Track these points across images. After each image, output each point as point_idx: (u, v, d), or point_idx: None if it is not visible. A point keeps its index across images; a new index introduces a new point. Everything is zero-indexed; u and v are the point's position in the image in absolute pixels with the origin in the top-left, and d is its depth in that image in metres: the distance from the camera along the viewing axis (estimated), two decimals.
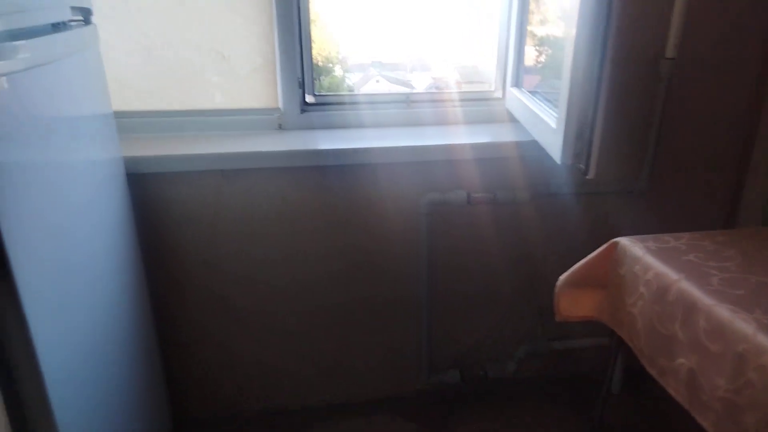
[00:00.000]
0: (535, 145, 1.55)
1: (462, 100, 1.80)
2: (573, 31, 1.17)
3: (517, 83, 1.70)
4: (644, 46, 1.56)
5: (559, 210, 1.70)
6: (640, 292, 1.00)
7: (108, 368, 1.19)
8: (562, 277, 1.16)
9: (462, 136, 1.64)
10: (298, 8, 1.61)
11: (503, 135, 1.66)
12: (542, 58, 1.68)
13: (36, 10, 1.03)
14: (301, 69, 1.67)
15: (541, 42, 1.66)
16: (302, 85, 1.69)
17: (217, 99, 1.65)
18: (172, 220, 1.53)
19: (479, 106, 1.80)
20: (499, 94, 1.82)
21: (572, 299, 1.15)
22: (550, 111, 1.39)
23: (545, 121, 1.34)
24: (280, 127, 1.69)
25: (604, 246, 1.11)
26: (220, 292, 1.64)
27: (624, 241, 1.08)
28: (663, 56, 1.56)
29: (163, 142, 1.57)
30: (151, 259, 1.54)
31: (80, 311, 1.08)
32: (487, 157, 1.61)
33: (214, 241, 1.58)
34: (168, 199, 1.52)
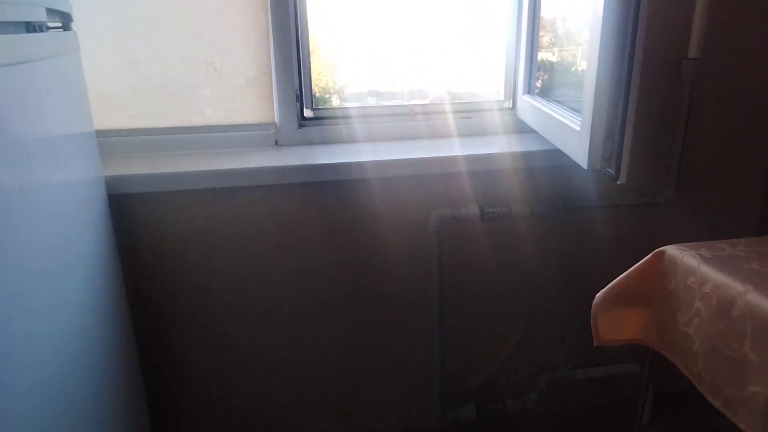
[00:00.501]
0: (551, 154, 1.42)
1: (469, 111, 1.67)
2: (598, 31, 1.05)
3: (529, 90, 1.57)
4: (666, 47, 1.44)
5: (580, 224, 1.55)
6: (695, 308, 0.84)
7: (82, 407, 1.03)
8: (600, 296, 1.00)
9: (472, 148, 1.50)
10: (296, 16, 1.50)
11: (516, 145, 1.52)
12: (539, 84, 1.58)
13: (3, 5, 0.90)
14: (299, 81, 1.54)
15: (538, 67, 1.56)
16: (300, 99, 1.56)
17: (208, 114, 1.52)
18: (158, 243, 1.39)
19: (488, 117, 1.67)
20: (508, 104, 1.70)
21: (612, 320, 0.99)
22: (572, 116, 1.26)
23: (567, 125, 1.21)
24: (277, 143, 1.56)
25: (648, 257, 0.96)
26: (212, 320, 1.48)
27: (672, 250, 0.93)
28: (686, 56, 1.44)
29: (150, 161, 1.43)
30: (135, 286, 1.39)
31: (53, 346, 0.93)
32: (500, 168, 1.47)
33: (207, 264, 1.43)
34: (154, 222, 1.37)
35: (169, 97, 1.49)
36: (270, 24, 1.46)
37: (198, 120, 1.52)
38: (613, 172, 1.10)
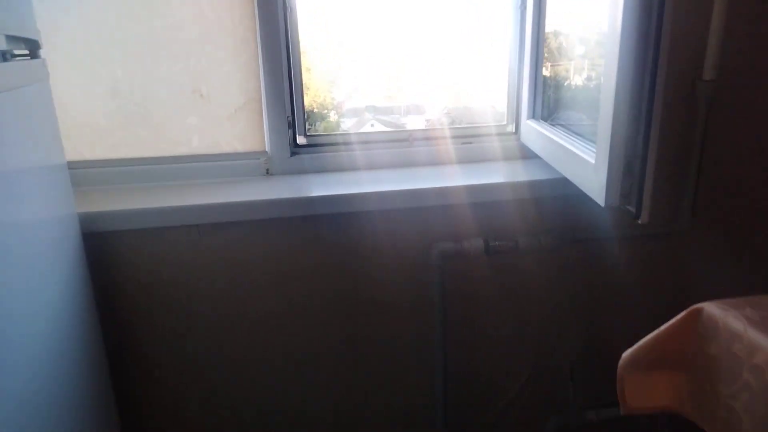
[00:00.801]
0: (559, 183, 1.29)
1: (470, 136, 1.55)
2: (615, 53, 0.92)
3: (534, 114, 1.45)
4: (680, 68, 1.31)
5: (589, 256, 1.42)
6: (744, 381, 0.71)
7: None
8: (627, 356, 0.86)
9: (474, 176, 1.38)
10: (287, 38, 1.37)
11: (521, 173, 1.40)
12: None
13: None
14: (291, 107, 1.42)
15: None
16: (292, 125, 1.43)
17: (194, 143, 1.40)
18: (138, 284, 1.25)
19: (490, 143, 1.54)
20: (511, 128, 1.57)
21: (641, 386, 0.85)
22: (584, 145, 1.13)
23: (580, 157, 1.08)
24: (268, 173, 1.43)
25: (682, 315, 0.83)
26: (198, 365, 1.34)
27: (711, 309, 0.79)
28: (700, 78, 1.31)
29: (131, 194, 1.30)
30: (113, 331, 1.25)
31: (25, 396, 0.79)
32: (505, 199, 1.35)
33: (191, 306, 1.29)
34: (133, 261, 1.24)
35: (153, 125, 1.36)
36: (259, 47, 1.34)
37: (183, 149, 1.39)
38: (633, 209, 0.97)
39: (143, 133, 1.36)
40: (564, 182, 1.23)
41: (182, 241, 1.24)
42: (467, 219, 1.35)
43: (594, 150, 1.03)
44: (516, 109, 1.54)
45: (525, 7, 1.45)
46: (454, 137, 1.54)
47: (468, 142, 1.54)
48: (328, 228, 1.30)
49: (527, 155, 1.52)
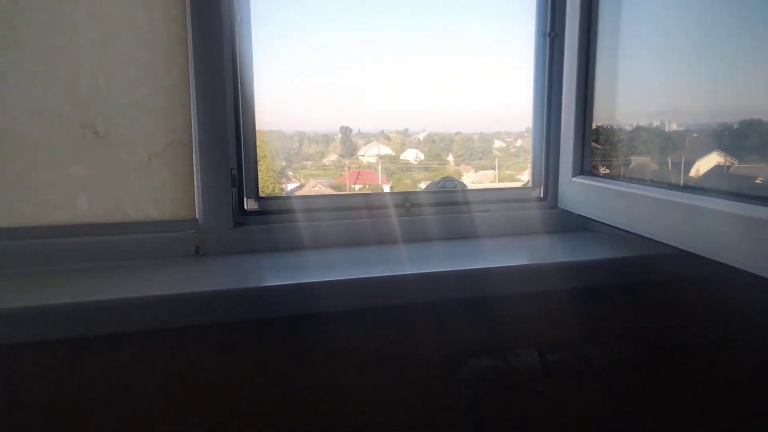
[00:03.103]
0: (637, 263, 0.82)
1: (484, 202, 1.06)
2: None
3: (582, 169, 0.99)
4: None
5: (695, 369, 0.92)
6: None
7: None
8: None
9: (507, 256, 0.88)
10: (233, 53, 0.89)
11: (574, 251, 0.91)
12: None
13: None
14: (238, 155, 0.91)
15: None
16: (238, 182, 0.91)
17: (81, 206, 0.84)
18: None
19: (507, 211, 1.06)
20: (538, 193, 1.10)
21: None
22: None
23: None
24: (198, 252, 0.88)
25: None
26: None
27: None
28: None
29: None
30: None
31: None
32: (555, 288, 0.85)
33: None
34: None
35: (10, 179, 0.81)
36: (191, 64, 0.84)
37: (62, 217, 0.83)
38: None
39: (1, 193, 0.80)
40: (643, 262, 0.76)
41: (45, 365, 0.66)
42: (510, 320, 0.84)
43: None
44: (545, 167, 1.08)
45: (555, 36, 1.03)
46: (462, 203, 1.05)
47: (484, 210, 1.05)
48: (291, 339, 0.76)
49: (568, 227, 1.04)
